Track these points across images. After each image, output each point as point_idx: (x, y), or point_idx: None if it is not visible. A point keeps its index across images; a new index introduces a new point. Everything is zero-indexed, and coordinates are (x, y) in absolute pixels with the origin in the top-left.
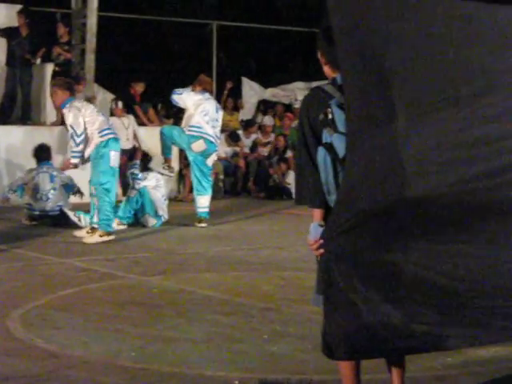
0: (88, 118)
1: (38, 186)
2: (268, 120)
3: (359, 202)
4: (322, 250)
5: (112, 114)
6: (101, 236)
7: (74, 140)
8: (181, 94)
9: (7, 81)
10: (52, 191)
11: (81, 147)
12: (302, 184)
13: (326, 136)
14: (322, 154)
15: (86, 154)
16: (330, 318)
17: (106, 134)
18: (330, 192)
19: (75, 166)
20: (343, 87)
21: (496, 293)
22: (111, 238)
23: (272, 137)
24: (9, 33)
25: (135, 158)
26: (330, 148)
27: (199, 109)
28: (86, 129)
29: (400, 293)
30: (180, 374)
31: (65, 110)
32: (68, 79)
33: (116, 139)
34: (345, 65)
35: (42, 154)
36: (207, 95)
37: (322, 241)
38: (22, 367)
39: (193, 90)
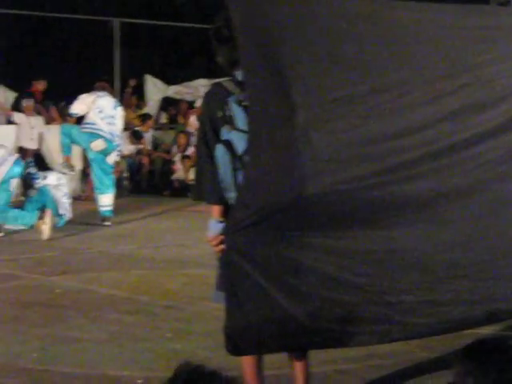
0: None
1: None
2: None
3: (259, 198)
4: (222, 246)
5: (18, 111)
6: None
7: None
8: (74, 104)
9: None
10: None
11: None
12: (201, 180)
13: (225, 133)
14: (220, 151)
15: None
16: (233, 313)
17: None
18: (228, 189)
19: None
20: (245, 84)
21: (405, 289)
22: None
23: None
24: None
25: (25, 157)
26: (228, 145)
27: (94, 106)
28: None
29: (301, 289)
30: (83, 374)
31: None
32: None
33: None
34: (245, 61)
35: None
36: (102, 93)
37: (221, 237)
38: None
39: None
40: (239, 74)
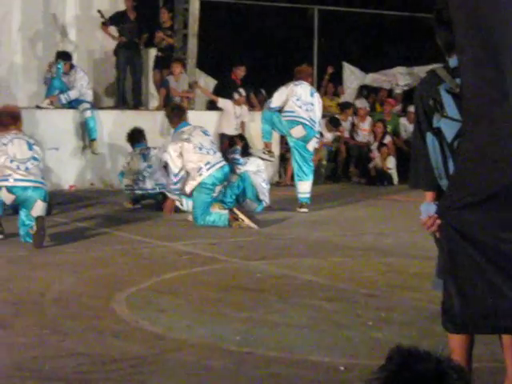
0: (185, 154)
1: (134, 169)
2: (360, 103)
3: (472, 184)
4: (435, 226)
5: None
6: None
7: (172, 179)
8: (271, 98)
9: (116, 66)
10: (147, 169)
11: (179, 186)
12: (417, 168)
13: (435, 121)
14: (430, 139)
15: (188, 190)
16: (450, 288)
17: (207, 170)
18: (441, 176)
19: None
20: (460, 66)
21: None
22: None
23: (368, 120)
24: (117, 18)
25: (235, 144)
26: (438, 133)
27: (292, 94)
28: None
29: None
30: (285, 358)
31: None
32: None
33: (219, 170)
34: (462, 42)
35: (134, 137)
36: (298, 82)
37: (436, 216)
38: (128, 349)
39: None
40: (453, 61)
